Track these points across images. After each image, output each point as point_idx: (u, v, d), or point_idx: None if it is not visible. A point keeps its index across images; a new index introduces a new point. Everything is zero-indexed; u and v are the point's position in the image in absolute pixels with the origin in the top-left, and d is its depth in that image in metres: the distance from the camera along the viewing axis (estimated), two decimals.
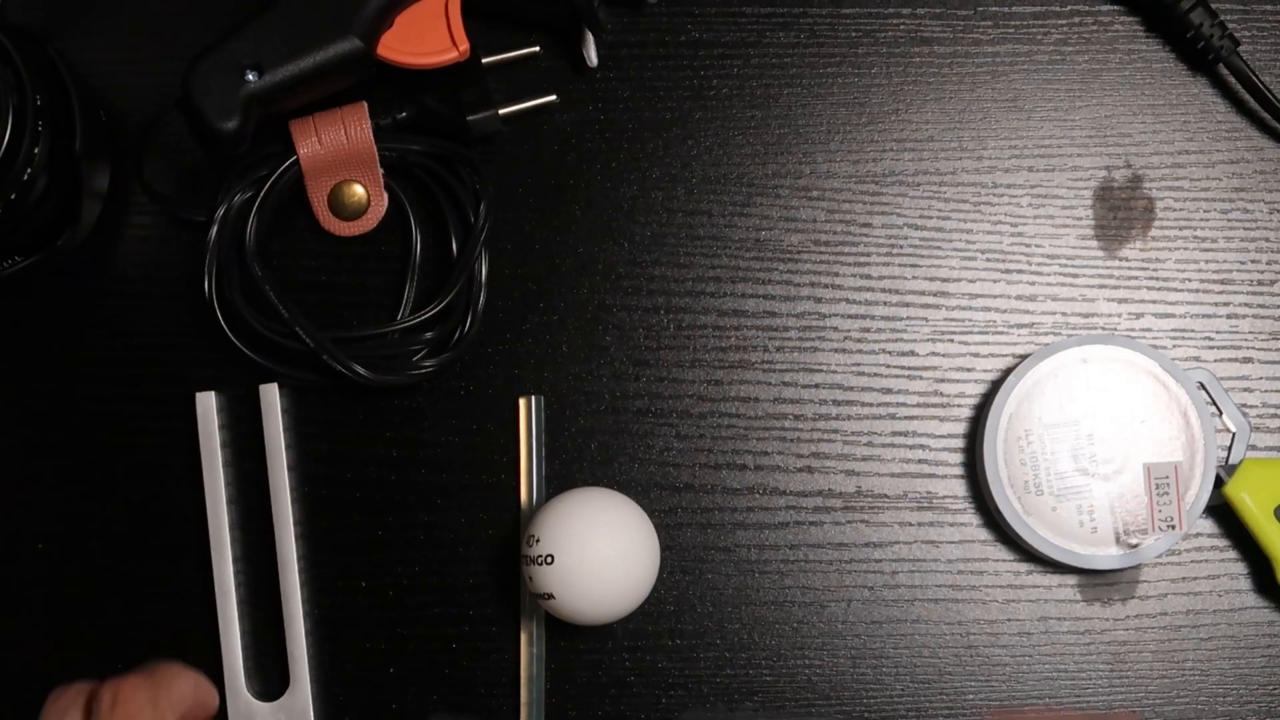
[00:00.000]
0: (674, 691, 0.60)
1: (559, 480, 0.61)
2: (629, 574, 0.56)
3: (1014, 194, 0.62)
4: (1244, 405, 0.61)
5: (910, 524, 0.61)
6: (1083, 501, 0.59)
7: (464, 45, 0.58)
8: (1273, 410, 0.61)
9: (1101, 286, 0.62)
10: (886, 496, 0.61)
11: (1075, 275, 0.62)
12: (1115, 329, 0.62)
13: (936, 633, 0.60)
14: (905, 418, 0.61)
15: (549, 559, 0.55)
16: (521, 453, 0.61)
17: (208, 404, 0.60)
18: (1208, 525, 0.61)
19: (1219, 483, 0.59)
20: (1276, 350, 0.62)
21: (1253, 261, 0.62)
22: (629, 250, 0.62)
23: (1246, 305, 0.62)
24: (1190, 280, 0.62)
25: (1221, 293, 0.62)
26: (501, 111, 0.61)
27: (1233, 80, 0.62)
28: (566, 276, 0.62)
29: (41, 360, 0.61)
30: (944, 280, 0.62)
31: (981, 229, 0.62)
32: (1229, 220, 0.62)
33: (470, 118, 0.60)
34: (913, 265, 0.62)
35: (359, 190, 0.61)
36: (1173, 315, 0.62)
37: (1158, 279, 0.62)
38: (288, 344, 0.59)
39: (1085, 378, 0.59)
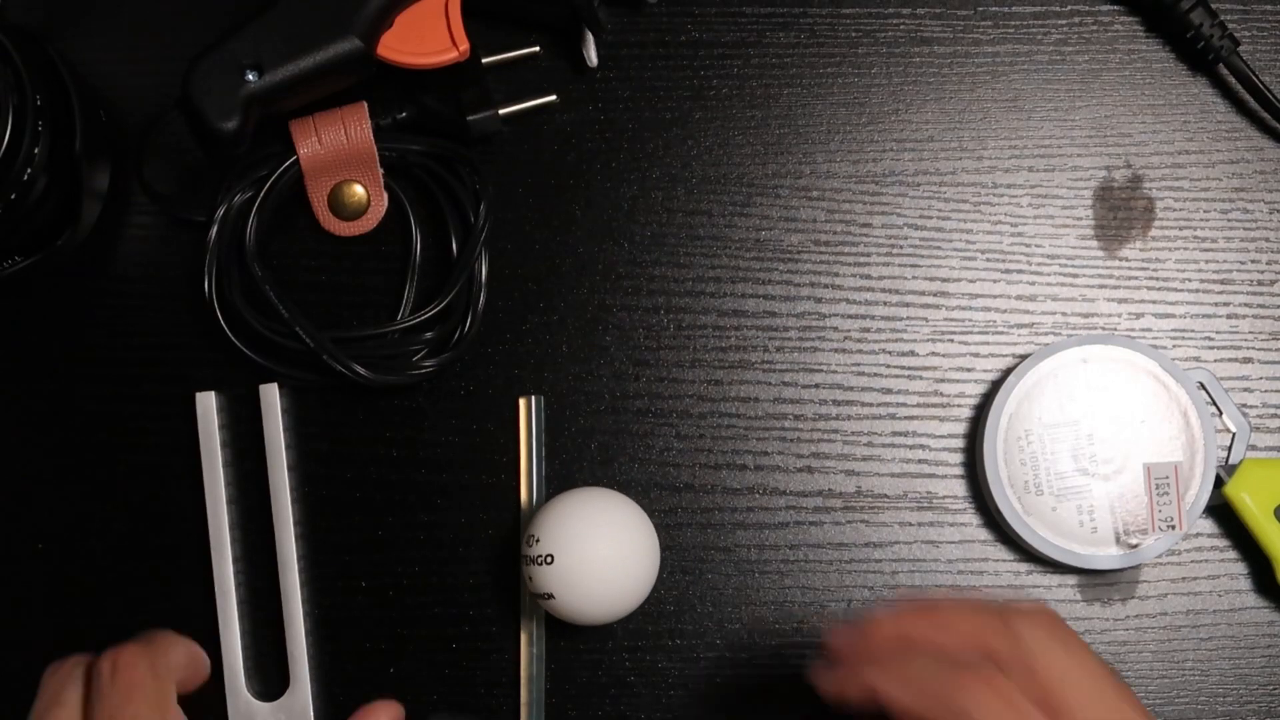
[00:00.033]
0: (674, 691, 0.60)
1: (559, 480, 0.61)
2: (629, 574, 0.56)
3: (1014, 194, 0.62)
4: (1244, 405, 0.61)
5: (910, 524, 0.61)
6: (1083, 501, 0.59)
7: (464, 45, 0.58)
8: (1273, 410, 0.61)
9: (1101, 286, 0.62)
10: (886, 496, 0.61)
11: (1075, 275, 0.62)
12: (1115, 329, 0.62)
13: None
14: (905, 418, 0.61)
15: (549, 559, 0.55)
16: (521, 453, 0.61)
17: (208, 404, 0.60)
18: (1208, 525, 0.61)
19: (1219, 483, 0.59)
20: (1276, 350, 0.62)
21: (1253, 261, 0.62)
22: (629, 250, 0.62)
23: (1246, 305, 0.62)
24: (1190, 280, 0.62)
25: (1221, 293, 0.62)
26: (501, 111, 0.61)
27: (1233, 80, 0.62)
28: (566, 276, 0.62)
29: (41, 360, 0.61)
30: (944, 280, 0.62)
31: (981, 229, 0.62)
32: (1229, 220, 0.62)
33: (470, 118, 0.60)
34: (913, 265, 0.62)
35: (359, 190, 0.61)
36: (1173, 315, 0.62)
37: (1158, 279, 0.62)
38: (288, 344, 0.59)
39: (1085, 378, 0.59)
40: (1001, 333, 0.62)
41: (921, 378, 0.61)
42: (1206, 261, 0.62)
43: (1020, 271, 0.62)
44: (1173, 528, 0.58)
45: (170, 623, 0.60)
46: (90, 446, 0.61)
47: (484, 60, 0.61)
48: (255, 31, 0.56)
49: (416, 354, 0.60)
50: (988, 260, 0.62)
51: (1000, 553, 0.61)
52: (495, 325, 0.61)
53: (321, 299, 0.61)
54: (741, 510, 0.61)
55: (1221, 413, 0.60)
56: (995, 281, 0.62)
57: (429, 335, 0.60)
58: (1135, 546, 0.59)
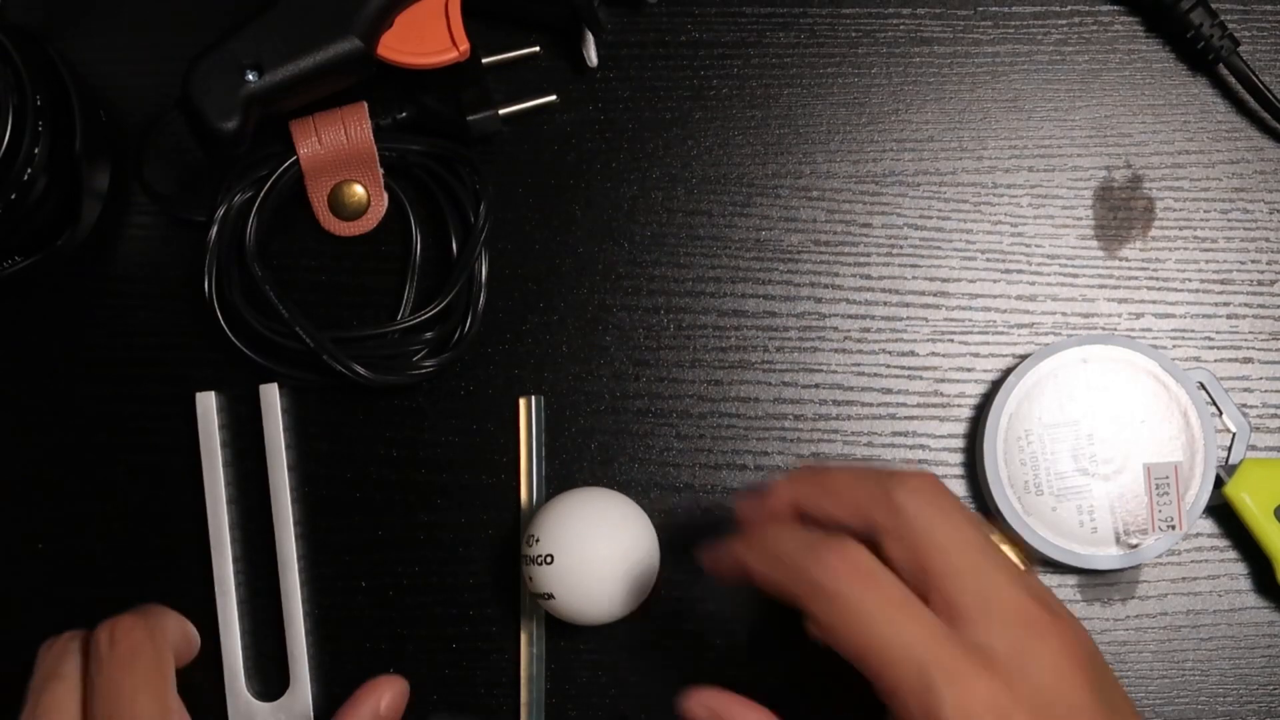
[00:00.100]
0: (674, 692, 0.60)
1: (559, 480, 0.61)
2: (629, 574, 0.56)
3: (1014, 194, 0.62)
4: (1244, 405, 0.61)
5: None
6: (1083, 501, 0.59)
7: (464, 45, 0.58)
8: (1273, 410, 0.61)
9: (1101, 286, 0.62)
10: None
11: (1075, 275, 0.62)
12: (1115, 329, 0.62)
13: None
14: (905, 418, 0.61)
15: (549, 559, 0.55)
16: (521, 453, 0.61)
17: (208, 404, 0.60)
18: (1208, 525, 0.61)
19: (1219, 483, 0.59)
20: (1276, 350, 0.62)
21: (1253, 261, 0.62)
22: (629, 250, 0.62)
23: (1246, 305, 0.62)
24: (1190, 280, 0.62)
25: (1221, 293, 0.62)
26: (501, 111, 0.61)
27: (1233, 80, 0.62)
28: (566, 276, 0.62)
29: (41, 360, 0.61)
30: (944, 280, 0.62)
31: (981, 229, 0.62)
32: (1229, 220, 0.62)
33: (470, 118, 0.60)
34: (913, 265, 0.62)
35: (359, 190, 0.61)
36: (1173, 315, 0.62)
37: (1158, 279, 0.62)
38: (288, 344, 0.59)
39: (1085, 378, 0.59)
40: (1001, 333, 0.62)
41: (921, 378, 0.61)
42: (1206, 261, 0.62)
43: (1020, 271, 0.62)
44: (1173, 528, 0.58)
45: None
46: (90, 446, 0.61)
47: (484, 60, 0.61)
48: (255, 31, 0.56)
49: (416, 354, 0.60)
50: (988, 260, 0.62)
51: None
52: (495, 325, 0.61)
53: (321, 299, 0.61)
54: None
55: (1221, 413, 0.60)
56: (995, 281, 0.62)
57: (429, 335, 0.60)
58: (1135, 546, 0.59)
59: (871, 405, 0.61)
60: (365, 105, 0.60)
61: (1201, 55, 0.62)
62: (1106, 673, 0.48)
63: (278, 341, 0.59)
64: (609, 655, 0.60)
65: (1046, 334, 0.62)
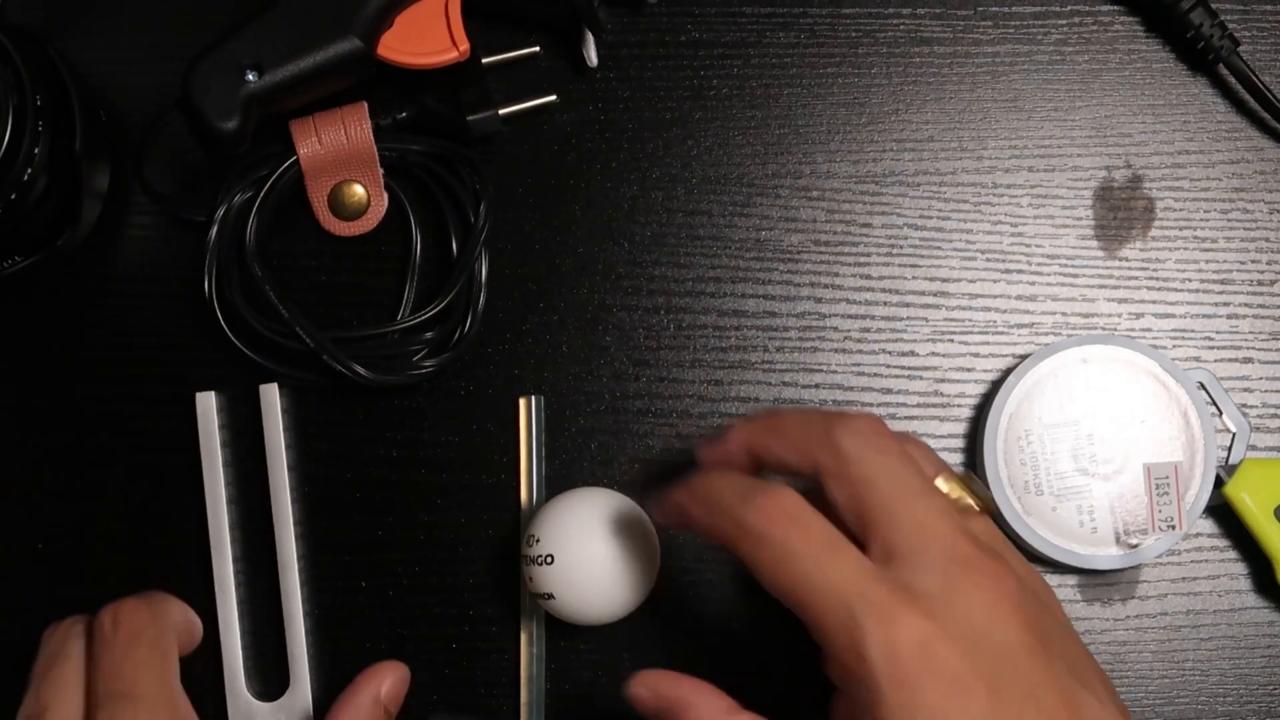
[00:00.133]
0: None
1: (559, 480, 0.61)
2: (629, 574, 0.56)
3: (1014, 194, 0.62)
4: (1244, 405, 0.61)
5: None
6: (1083, 501, 0.59)
7: (464, 45, 0.58)
8: (1273, 410, 0.61)
9: (1101, 286, 0.62)
10: None
11: (1075, 275, 0.62)
12: (1115, 329, 0.62)
13: None
14: (905, 418, 0.61)
15: (549, 559, 0.55)
16: (521, 453, 0.61)
17: (208, 404, 0.60)
18: (1208, 525, 0.61)
19: (1219, 483, 0.59)
20: (1276, 350, 0.62)
21: (1253, 261, 0.62)
22: (629, 250, 0.62)
23: (1246, 305, 0.62)
24: (1190, 280, 0.62)
25: (1221, 293, 0.62)
26: (501, 111, 0.61)
27: (1233, 80, 0.62)
28: (566, 276, 0.62)
29: (41, 360, 0.61)
30: (944, 280, 0.62)
31: (981, 229, 0.62)
32: (1229, 220, 0.62)
33: (470, 118, 0.60)
34: (913, 265, 0.62)
35: (359, 190, 0.61)
36: (1173, 315, 0.62)
37: (1158, 279, 0.62)
38: (288, 344, 0.59)
39: (1085, 378, 0.59)
40: (1001, 333, 0.62)
41: (921, 378, 0.61)
42: (1206, 261, 0.62)
43: (1020, 271, 0.62)
44: (1173, 528, 0.58)
45: None
46: (90, 446, 0.61)
47: (484, 60, 0.61)
48: (255, 31, 0.56)
49: (416, 354, 0.60)
50: (988, 260, 0.62)
51: None
52: (495, 325, 0.61)
53: (321, 299, 0.61)
54: None
55: (1221, 413, 0.60)
56: (995, 281, 0.62)
57: (429, 335, 0.60)
58: (1135, 546, 0.59)
59: (871, 405, 0.61)
60: (365, 105, 0.60)
61: (1201, 55, 0.62)
62: (1050, 614, 0.48)
63: (278, 341, 0.59)
64: (609, 655, 0.60)
65: (1046, 334, 0.62)
